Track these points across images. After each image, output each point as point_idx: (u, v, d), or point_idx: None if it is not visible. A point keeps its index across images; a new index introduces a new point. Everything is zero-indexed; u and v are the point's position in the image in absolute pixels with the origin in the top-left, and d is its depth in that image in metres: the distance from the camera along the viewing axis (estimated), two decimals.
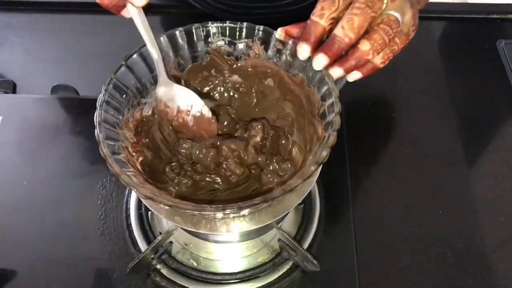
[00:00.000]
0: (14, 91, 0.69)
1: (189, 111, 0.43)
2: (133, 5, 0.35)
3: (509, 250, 0.55)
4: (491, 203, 0.59)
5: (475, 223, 0.57)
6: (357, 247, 0.54)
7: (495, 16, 0.81)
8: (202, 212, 0.33)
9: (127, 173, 0.35)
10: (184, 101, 0.43)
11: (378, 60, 0.37)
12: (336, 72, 0.37)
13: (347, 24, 0.34)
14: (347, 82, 0.63)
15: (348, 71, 0.37)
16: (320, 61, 0.36)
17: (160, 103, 0.43)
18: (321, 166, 0.35)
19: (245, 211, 0.34)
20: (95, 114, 0.37)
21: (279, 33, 0.40)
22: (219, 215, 0.35)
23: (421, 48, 0.76)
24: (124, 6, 0.38)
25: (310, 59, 0.37)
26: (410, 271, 0.54)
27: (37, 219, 0.56)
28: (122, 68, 0.40)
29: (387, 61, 0.38)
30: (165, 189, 0.42)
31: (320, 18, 0.35)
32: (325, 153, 0.35)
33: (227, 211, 0.33)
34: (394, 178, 0.61)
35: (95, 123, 0.36)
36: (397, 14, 0.36)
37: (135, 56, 0.41)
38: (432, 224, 0.57)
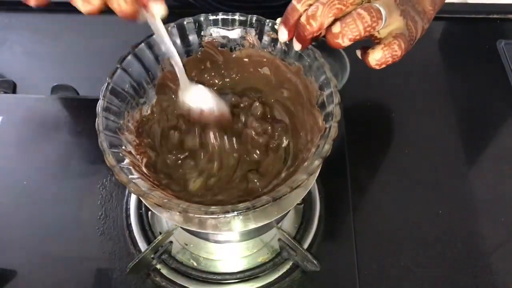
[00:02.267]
0: (14, 91, 0.69)
1: (212, 111, 0.44)
2: (153, 18, 0.36)
3: (509, 250, 0.55)
4: (491, 203, 0.59)
5: (475, 223, 0.57)
6: (357, 247, 0.54)
7: (495, 16, 0.81)
8: (211, 216, 0.33)
9: (134, 180, 0.35)
10: (205, 103, 0.44)
11: (346, 42, 0.36)
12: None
13: (311, 11, 0.35)
14: (347, 81, 0.64)
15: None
16: (295, 46, 0.38)
17: (183, 105, 0.45)
18: (321, 165, 0.35)
19: (252, 212, 0.34)
20: (96, 122, 0.36)
21: (279, 23, 0.40)
22: (230, 215, 0.34)
23: (421, 48, 0.76)
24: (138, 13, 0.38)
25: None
26: (410, 271, 0.54)
27: (37, 219, 0.56)
28: (118, 71, 0.40)
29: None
30: (170, 188, 0.42)
31: (297, 3, 0.36)
32: (327, 147, 0.35)
33: (236, 213, 0.32)
34: (394, 178, 0.61)
35: (97, 132, 0.36)
36: (381, 8, 0.36)
37: (129, 57, 0.40)
38: (432, 224, 0.57)
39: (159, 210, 0.40)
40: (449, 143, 0.65)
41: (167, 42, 0.39)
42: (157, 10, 0.35)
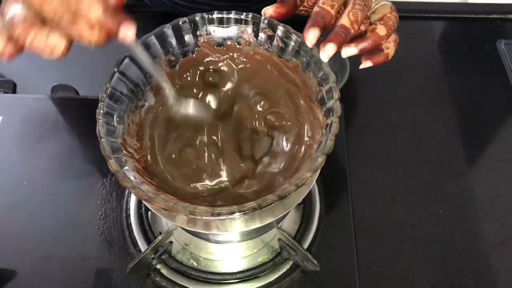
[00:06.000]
0: (14, 91, 0.69)
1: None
2: (126, 41, 0.32)
3: (509, 250, 0.55)
4: (491, 203, 0.59)
5: (475, 223, 0.57)
6: (357, 247, 0.54)
7: (495, 16, 0.81)
8: (218, 218, 0.33)
9: (138, 185, 0.35)
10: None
11: (391, 52, 0.40)
12: (351, 51, 0.39)
13: (353, 16, 0.37)
14: (347, 81, 0.64)
15: (362, 51, 0.39)
16: (329, 51, 0.37)
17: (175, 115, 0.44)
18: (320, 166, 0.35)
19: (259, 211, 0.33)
20: (97, 128, 0.36)
21: (269, 12, 0.40)
22: (236, 215, 0.34)
23: (421, 48, 0.76)
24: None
25: (303, 45, 0.39)
26: (410, 271, 0.54)
27: (37, 219, 0.56)
28: (116, 75, 0.39)
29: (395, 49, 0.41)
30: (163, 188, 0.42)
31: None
32: (330, 143, 0.35)
33: (242, 213, 0.32)
34: (394, 178, 0.61)
35: (99, 138, 0.35)
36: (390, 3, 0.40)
37: (126, 60, 0.40)
38: (432, 224, 0.57)
39: (164, 213, 0.40)
40: (449, 143, 0.65)
41: (146, 62, 0.37)
42: (128, 34, 0.31)
